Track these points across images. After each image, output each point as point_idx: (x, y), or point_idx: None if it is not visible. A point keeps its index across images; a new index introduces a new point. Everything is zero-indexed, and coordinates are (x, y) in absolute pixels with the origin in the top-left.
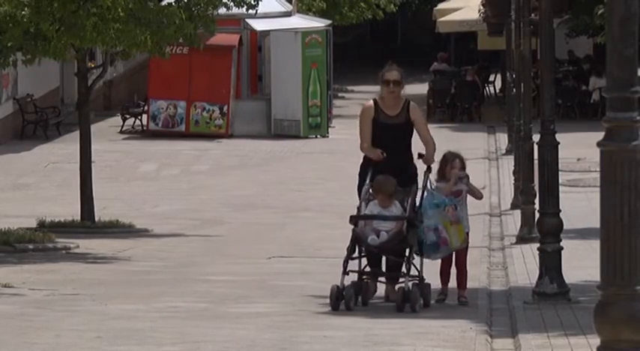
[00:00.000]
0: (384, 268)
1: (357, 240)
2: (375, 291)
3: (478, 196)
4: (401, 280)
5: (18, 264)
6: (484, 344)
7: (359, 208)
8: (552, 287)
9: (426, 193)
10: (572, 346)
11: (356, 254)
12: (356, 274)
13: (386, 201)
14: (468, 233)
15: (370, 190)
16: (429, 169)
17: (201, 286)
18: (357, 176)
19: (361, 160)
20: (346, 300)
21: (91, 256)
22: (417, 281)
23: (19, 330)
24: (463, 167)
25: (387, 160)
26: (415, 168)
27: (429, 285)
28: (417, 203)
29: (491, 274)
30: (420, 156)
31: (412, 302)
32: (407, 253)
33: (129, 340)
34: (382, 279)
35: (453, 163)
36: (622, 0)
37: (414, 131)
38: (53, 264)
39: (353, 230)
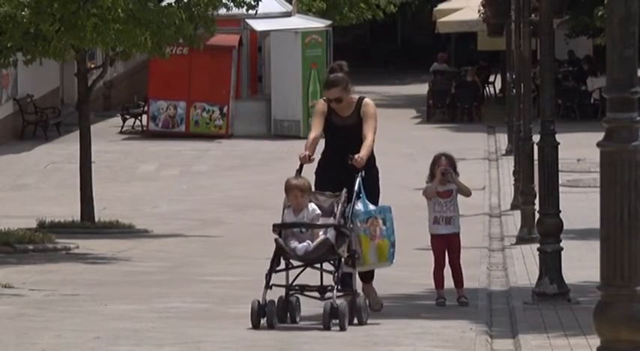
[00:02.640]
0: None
1: (280, 251)
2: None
3: (466, 193)
4: (328, 295)
5: (18, 264)
6: (484, 345)
7: (282, 215)
8: (552, 288)
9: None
10: (572, 346)
11: (282, 266)
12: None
13: (298, 198)
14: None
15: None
16: (360, 171)
17: (200, 286)
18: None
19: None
20: (268, 317)
21: (90, 257)
22: (349, 295)
23: (19, 330)
24: (452, 165)
25: (340, 162)
26: (376, 171)
27: (363, 299)
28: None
29: (491, 275)
30: (351, 159)
31: (340, 320)
32: (336, 265)
33: (129, 340)
34: (314, 294)
35: (439, 161)
36: (622, 0)
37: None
38: (53, 264)
39: (275, 240)
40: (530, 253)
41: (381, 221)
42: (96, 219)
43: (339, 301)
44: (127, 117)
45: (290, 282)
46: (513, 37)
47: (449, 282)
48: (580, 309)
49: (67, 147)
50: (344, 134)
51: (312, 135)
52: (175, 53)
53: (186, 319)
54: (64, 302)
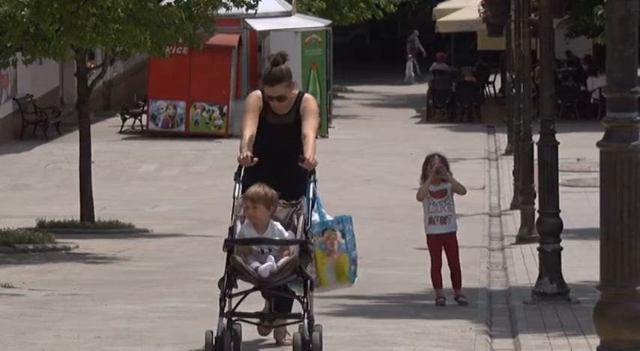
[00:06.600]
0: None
1: (235, 271)
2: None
3: (461, 191)
4: (288, 322)
5: (18, 264)
6: (484, 344)
7: (232, 229)
8: (552, 287)
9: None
10: (572, 346)
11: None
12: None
13: (250, 209)
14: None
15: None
16: (312, 175)
17: (200, 286)
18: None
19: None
20: (225, 350)
21: (90, 257)
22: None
23: (18, 330)
24: (445, 165)
25: (276, 167)
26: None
27: (320, 326)
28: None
29: (491, 274)
30: (302, 160)
31: None
32: (304, 288)
33: (128, 340)
34: (256, 320)
35: (432, 161)
36: (622, 0)
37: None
38: (53, 264)
39: (232, 258)
40: (530, 252)
41: (339, 234)
42: (96, 219)
43: (296, 332)
44: (127, 117)
45: (233, 307)
46: (513, 37)
47: (448, 281)
48: (580, 309)
49: (67, 147)
50: (279, 135)
51: (247, 133)
52: (175, 53)
53: (186, 319)
54: (63, 302)
